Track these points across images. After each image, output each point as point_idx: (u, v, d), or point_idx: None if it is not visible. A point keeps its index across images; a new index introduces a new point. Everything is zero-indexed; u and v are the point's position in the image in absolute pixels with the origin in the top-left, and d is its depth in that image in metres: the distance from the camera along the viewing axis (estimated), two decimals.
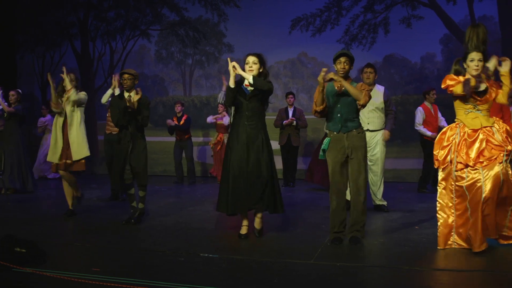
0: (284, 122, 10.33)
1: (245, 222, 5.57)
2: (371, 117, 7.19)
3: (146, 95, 6.50)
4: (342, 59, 5.25)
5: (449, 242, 5.07)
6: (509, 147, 4.82)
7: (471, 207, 4.83)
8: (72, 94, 6.68)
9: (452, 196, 5.02)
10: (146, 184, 6.44)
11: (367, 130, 7.13)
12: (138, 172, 6.31)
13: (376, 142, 7.23)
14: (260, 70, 5.50)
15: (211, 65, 13.30)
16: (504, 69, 4.83)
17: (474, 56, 4.89)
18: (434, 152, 5.15)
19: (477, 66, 4.87)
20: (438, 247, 5.02)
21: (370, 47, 12.35)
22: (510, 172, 4.84)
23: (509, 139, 4.86)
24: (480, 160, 4.80)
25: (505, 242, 5.00)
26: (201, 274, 4.20)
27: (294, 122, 10.33)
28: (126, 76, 6.35)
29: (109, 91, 7.78)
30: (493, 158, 4.79)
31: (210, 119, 11.16)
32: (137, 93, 6.28)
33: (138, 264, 4.55)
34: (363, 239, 5.31)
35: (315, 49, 12.64)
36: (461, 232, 4.98)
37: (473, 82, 4.77)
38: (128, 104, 6.12)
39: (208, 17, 13.23)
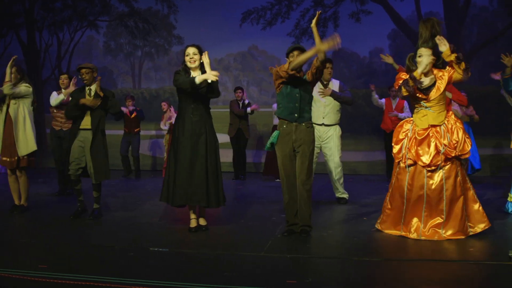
0: (249, 108, 10.36)
1: (193, 215, 5.54)
2: (327, 111, 7.27)
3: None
4: (296, 52, 5.28)
5: (397, 232, 5.22)
6: (452, 153, 4.98)
7: (411, 202, 5.02)
8: (5, 87, 6.37)
9: (401, 188, 5.14)
10: (97, 183, 6.21)
11: (322, 124, 7.23)
12: (91, 171, 6.13)
13: (330, 136, 7.32)
14: (201, 61, 5.47)
15: (160, 57, 13.15)
16: (443, 48, 4.95)
17: (422, 51, 5.01)
18: (392, 143, 5.29)
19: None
20: (384, 231, 5.24)
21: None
22: (446, 175, 5.01)
23: (456, 143, 5.02)
24: (432, 163, 4.96)
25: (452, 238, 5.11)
26: (151, 269, 4.16)
27: (255, 106, 10.39)
28: (84, 70, 6.20)
29: (61, 96, 7.56)
30: (438, 163, 4.96)
31: (163, 125, 10.89)
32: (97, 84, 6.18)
33: (87, 260, 4.47)
34: (311, 231, 5.37)
35: (265, 42, 12.69)
36: (406, 222, 5.11)
37: (411, 82, 4.87)
38: (91, 104, 6.02)
39: (158, 8, 13.07)
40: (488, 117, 10.51)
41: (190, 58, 5.42)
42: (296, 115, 5.27)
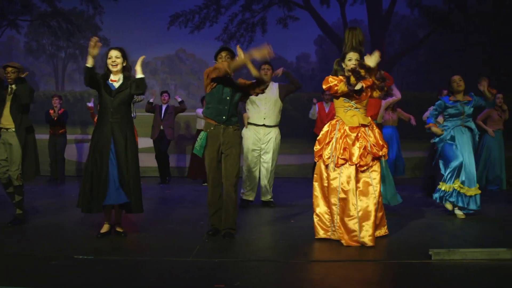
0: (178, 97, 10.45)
1: (106, 222, 5.41)
2: (268, 112, 7.31)
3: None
4: (224, 53, 5.29)
5: (323, 234, 5.29)
6: (381, 152, 5.12)
7: (345, 203, 5.06)
8: None
9: (333, 190, 5.20)
10: (17, 185, 5.95)
11: (263, 125, 7.26)
12: (16, 172, 5.88)
13: (271, 139, 7.36)
14: (124, 64, 5.37)
15: (85, 59, 12.74)
16: (372, 63, 5.08)
17: (352, 55, 5.14)
18: (315, 148, 5.33)
19: (355, 64, 5.11)
20: (316, 237, 5.26)
21: (248, 45, 12.56)
22: (376, 172, 5.14)
23: (382, 144, 5.17)
24: (361, 163, 5.05)
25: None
26: (76, 277, 4.02)
27: (179, 98, 10.46)
28: (9, 69, 5.95)
29: None
30: (368, 163, 5.07)
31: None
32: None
33: (6, 271, 4.25)
34: (237, 234, 5.38)
35: (193, 46, 12.62)
36: (334, 224, 5.18)
37: (353, 80, 4.99)
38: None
39: (82, 9, 12.70)
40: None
41: (112, 62, 5.30)
42: (224, 117, 5.28)
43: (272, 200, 7.49)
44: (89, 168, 5.25)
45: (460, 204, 6.55)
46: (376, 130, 5.27)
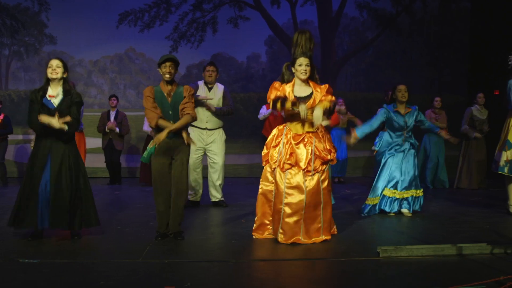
0: (106, 126, 10.05)
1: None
2: (209, 115, 7.28)
3: None
4: (168, 63, 5.21)
5: (267, 234, 5.36)
6: (329, 157, 5.17)
7: (290, 207, 5.10)
8: None
9: (273, 192, 5.24)
10: None
11: (206, 128, 7.23)
12: None
13: (214, 140, 7.34)
14: (64, 76, 5.25)
15: (30, 57, 12.40)
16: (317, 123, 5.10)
17: (302, 61, 5.16)
18: (262, 152, 5.36)
19: (305, 70, 5.14)
20: (253, 237, 5.35)
21: (198, 45, 12.51)
22: (322, 178, 5.19)
23: (330, 148, 5.22)
24: (309, 169, 5.09)
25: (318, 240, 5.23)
26: (20, 282, 3.90)
27: (117, 130, 10.11)
28: None
29: None
30: (316, 168, 5.11)
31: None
32: None
33: None
34: (186, 235, 5.36)
35: (143, 45, 12.45)
36: (281, 226, 5.19)
37: (288, 106, 5.01)
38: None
39: (27, 5, 12.31)
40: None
41: (53, 70, 5.17)
42: (171, 121, 5.24)
43: (223, 200, 7.48)
44: (28, 183, 5.15)
45: (394, 209, 6.76)
46: (326, 135, 5.32)
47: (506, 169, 6.65)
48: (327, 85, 5.28)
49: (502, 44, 10.06)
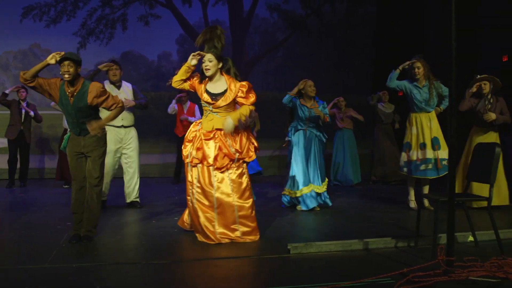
0: (24, 110, 9.67)
1: None
2: (124, 112, 7.13)
3: None
4: (66, 62, 5.03)
5: (188, 227, 5.46)
6: (236, 155, 5.22)
7: (202, 201, 5.16)
8: None
9: (194, 189, 5.25)
10: None
11: (122, 126, 7.13)
12: None
13: (131, 138, 7.27)
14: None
15: None
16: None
17: (205, 57, 5.19)
18: (182, 147, 5.38)
19: (207, 66, 5.18)
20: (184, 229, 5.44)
21: (107, 42, 12.25)
22: (237, 174, 5.25)
23: (242, 148, 5.27)
24: (217, 165, 5.14)
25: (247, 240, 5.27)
26: None
27: (31, 113, 9.74)
28: None
29: None
30: (224, 165, 5.17)
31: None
32: None
33: None
34: (96, 237, 5.26)
35: (49, 40, 11.99)
36: (199, 223, 5.21)
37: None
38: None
39: None
40: (268, 121, 11.25)
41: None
42: (78, 130, 5.14)
43: (138, 200, 7.36)
44: None
45: (309, 205, 7.01)
46: (247, 134, 5.36)
47: (405, 169, 7.05)
48: (246, 84, 5.31)
49: (405, 48, 10.56)
